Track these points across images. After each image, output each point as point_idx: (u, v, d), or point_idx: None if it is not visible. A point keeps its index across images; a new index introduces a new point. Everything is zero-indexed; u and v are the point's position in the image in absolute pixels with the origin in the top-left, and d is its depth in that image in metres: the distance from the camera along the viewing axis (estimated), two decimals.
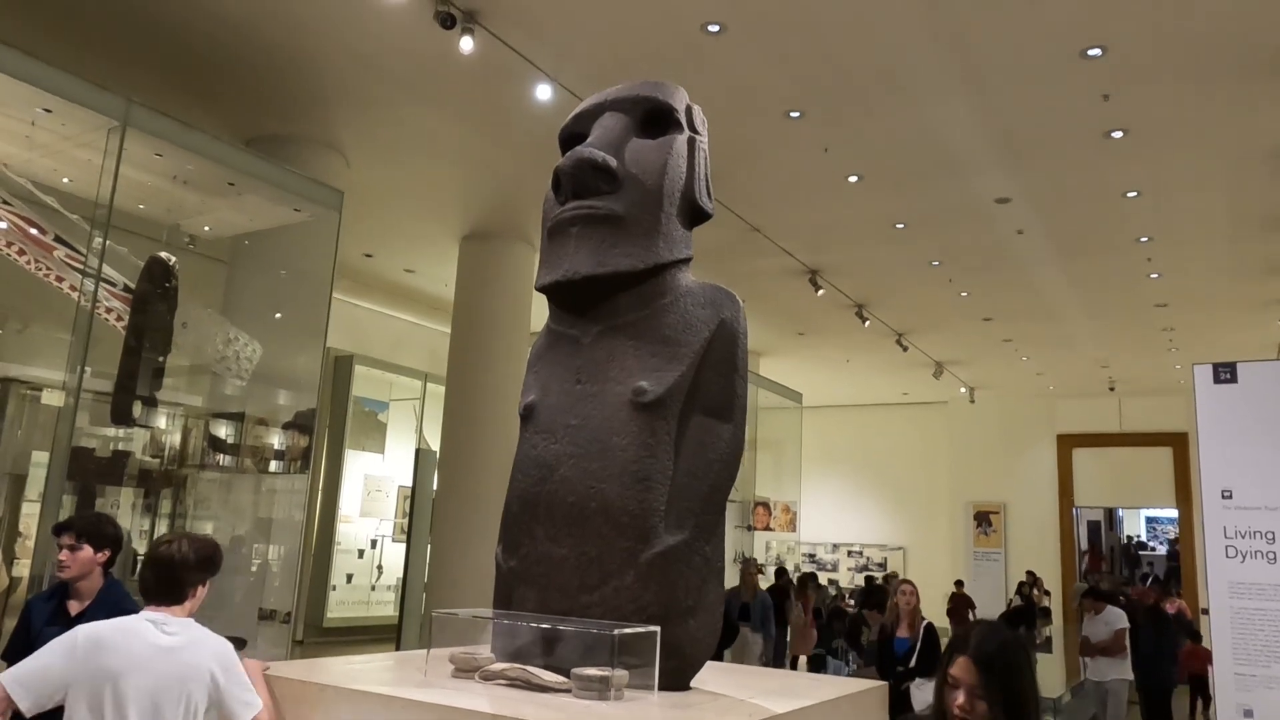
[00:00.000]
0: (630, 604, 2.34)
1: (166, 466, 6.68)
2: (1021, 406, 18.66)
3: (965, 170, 8.25)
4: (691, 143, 2.82)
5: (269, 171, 6.79)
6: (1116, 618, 8.20)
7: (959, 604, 15.01)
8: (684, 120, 2.82)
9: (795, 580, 12.17)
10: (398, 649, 10.12)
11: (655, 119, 2.80)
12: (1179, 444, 17.27)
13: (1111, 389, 17.67)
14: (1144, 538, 23.52)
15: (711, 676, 2.51)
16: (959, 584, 15.94)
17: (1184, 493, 17.29)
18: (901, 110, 7.22)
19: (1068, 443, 18.42)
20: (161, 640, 2.46)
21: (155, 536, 6.51)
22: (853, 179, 8.52)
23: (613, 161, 2.62)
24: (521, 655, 2.38)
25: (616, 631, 2.16)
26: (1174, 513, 18.96)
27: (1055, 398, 18.49)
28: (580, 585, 2.41)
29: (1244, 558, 4.18)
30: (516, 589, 2.54)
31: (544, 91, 6.70)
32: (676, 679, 2.36)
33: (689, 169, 2.77)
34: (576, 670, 2.17)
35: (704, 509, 2.48)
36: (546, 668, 2.28)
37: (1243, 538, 4.19)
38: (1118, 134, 7.35)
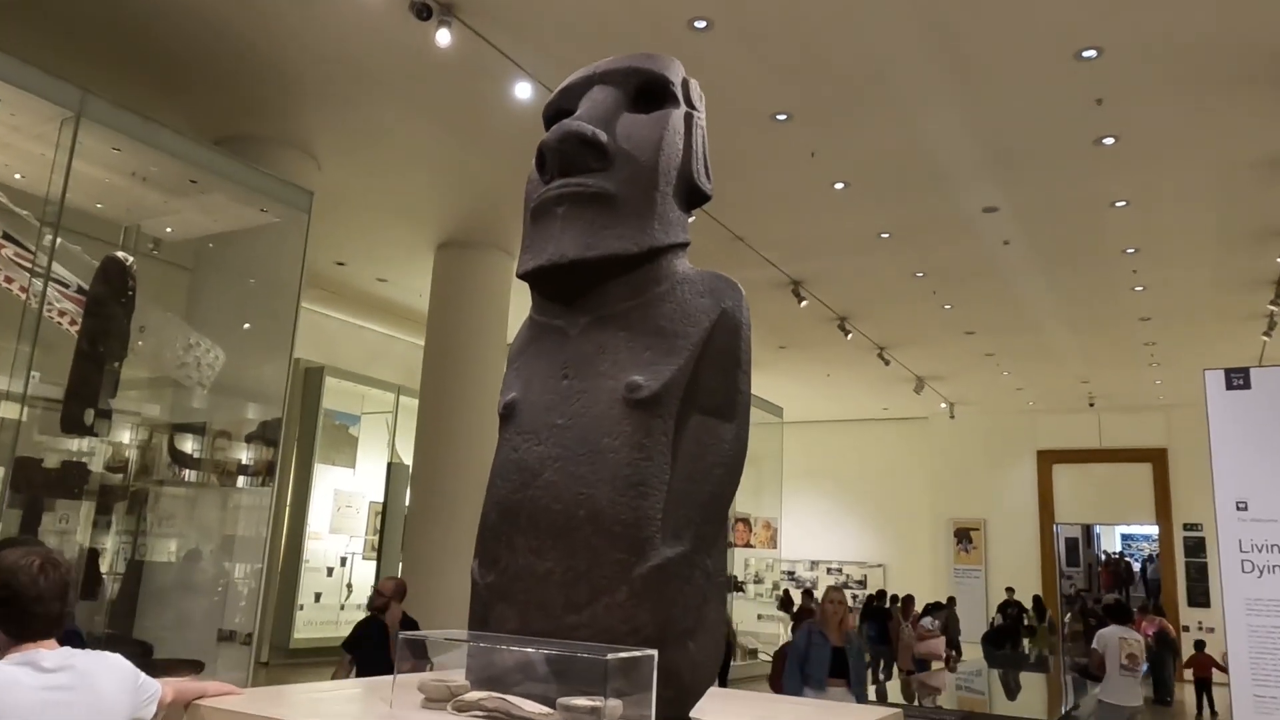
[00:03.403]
0: (623, 624, 2.09)
1: (124, 479, 6.34)
2: (1002, 422, 18.60)
3: (954, 178, 8.11)
4: (689, 118, 2.60)
5: (233, 169, 6.52)
6: (1095, 638, 7.92)
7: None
8: (680, 94, 2.60)
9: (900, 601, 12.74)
10: None
11: (649, 93, 2.57)
12: (1158, 460, 17.27)
13: (1091, 405, 17.65)
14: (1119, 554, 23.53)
15: (713, 705, 2.26)
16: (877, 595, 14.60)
17: (1163, 509, 17.27)
18: (891, 114, 7.06)
19: (1048, 458, 18.38)
20: (45, 680, 2.04)
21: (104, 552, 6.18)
22: (839, 186, 8.36)
23: (603, 135, 2.39)
24: (500, 682, 2.13)
25: (609, 656, 1.91)
26: (1151, 529, 18.90)
27: (1035, 413, 18.45)
28: (566, 603, 2.16)
29: (1260, 572, 3.98)
30: (494, 607, 2.28)
31: (523, 90, 6.48)
32: (675, 708, 2.11)
33: (686, 146, 2.55)
34: (563, 700, 1.94)
35: (704, 518, 2.23)
36: (529, 696, 2.03)
37: (1259, 551, 3.98)
38: (1109, 140, 7.23)
